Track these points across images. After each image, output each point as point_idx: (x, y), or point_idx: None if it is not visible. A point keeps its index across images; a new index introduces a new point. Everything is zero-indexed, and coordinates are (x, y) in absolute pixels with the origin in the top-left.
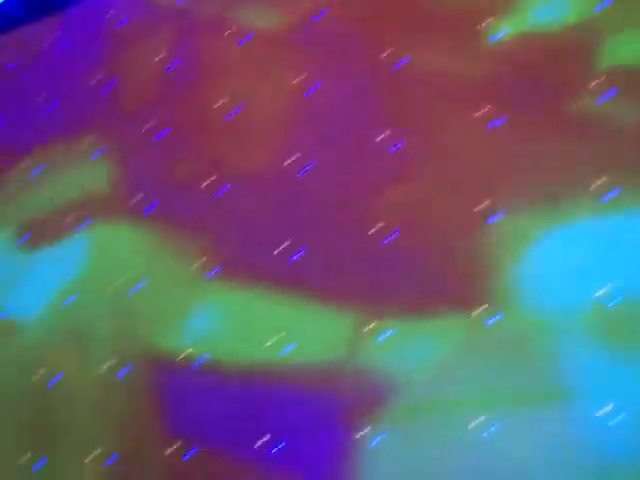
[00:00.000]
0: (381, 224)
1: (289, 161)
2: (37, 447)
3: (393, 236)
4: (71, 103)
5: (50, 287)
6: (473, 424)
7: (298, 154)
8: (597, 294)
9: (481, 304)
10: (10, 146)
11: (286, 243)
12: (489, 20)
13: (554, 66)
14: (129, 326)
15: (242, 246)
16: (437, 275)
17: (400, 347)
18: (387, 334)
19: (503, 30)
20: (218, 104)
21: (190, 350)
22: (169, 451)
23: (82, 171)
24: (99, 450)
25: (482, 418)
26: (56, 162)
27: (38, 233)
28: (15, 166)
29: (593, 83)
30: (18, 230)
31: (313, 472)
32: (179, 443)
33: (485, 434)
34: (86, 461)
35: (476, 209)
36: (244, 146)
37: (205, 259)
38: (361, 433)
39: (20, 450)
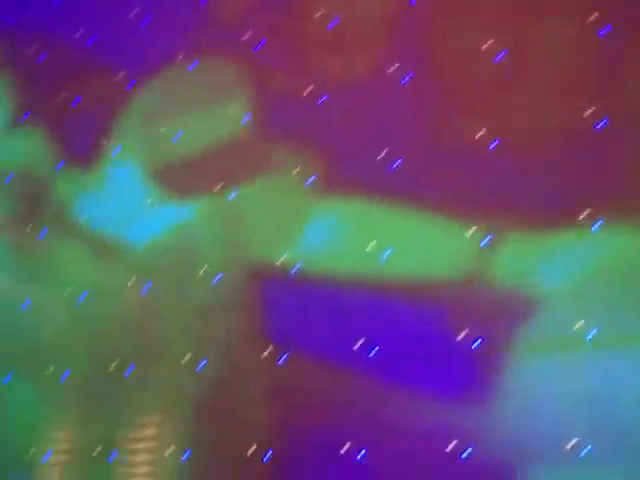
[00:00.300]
0: (484, 131)
1: (389, 70)
2: (128, 353)
3: (496, 143)
4: (167, 16)
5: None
6: (576, 328)
7: (398, 64)
8: None
9: (587, 210)
10: (105, 62)
11: (384, 151)
12: None
13: None
14: (227, 234)
15: (340, 155)
16: (542, 182)
17: (502, 254)
18: (488, 240)
19: None
20: (318, 13)
21: (287, 256)
22: (264, 355)
23: (179, 83)
24: (190, 355)
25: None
26: (152, 75)
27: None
28: (110, 81)
29: None
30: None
31: (411, 375)
32: (273, 347)
33: (588, 338)
34: (178, 366)
35: (585, 114)
36: (343, 55)
37: (303, 168)
38: (461, 337)
39: (111, 357)
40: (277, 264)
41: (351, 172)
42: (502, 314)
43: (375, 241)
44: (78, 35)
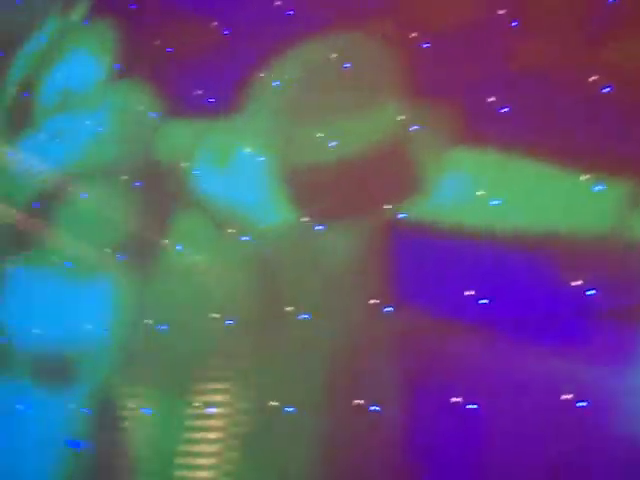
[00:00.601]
0: (595, 77)
1: (499, 13)
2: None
3: (608, 89)
4: None
5: None
6: None
7: (505, 10)
8: None
9: None
10: (197, 10)
11: (493, 98)
12: None
13: None
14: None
15: (448, 98)
16: None
17: (620, 204)
18: (601, 188)
19: None
20: None
21: (392, 207)
22: (371, 302)
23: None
24: (292, 308)
25: None
26: (246, 24)
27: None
28: (204, 29)
29: None
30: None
31: (520, 325)
32: (380, 299)
33: None
34: (283, 314)
35: None
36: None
37: (408, 115)
38: (577, 283)
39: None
40: (390, 215)
41: (458, 115)
42: (624, 267)
43: (487, 191)
44: None
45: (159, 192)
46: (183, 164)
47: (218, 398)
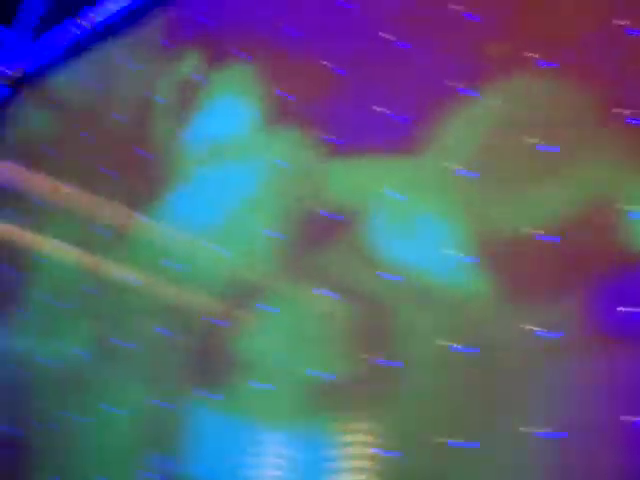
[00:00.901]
0: None
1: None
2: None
3: None
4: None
5: None
6: None
7: (627, 20)
8: None
9: None
10: (306, 53)
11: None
12: None
13: None
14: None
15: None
16: None
17: None
18: None
19: None
20: None
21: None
22: (527, 328)
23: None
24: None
25: None
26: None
27: None
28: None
29: None
30: None
31: None
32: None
33: None
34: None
35: None
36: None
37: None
38: None
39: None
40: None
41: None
42: None
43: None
44: (278, 31)
45: (326, 251)
46: (354, 217)
47: (376, 439)
